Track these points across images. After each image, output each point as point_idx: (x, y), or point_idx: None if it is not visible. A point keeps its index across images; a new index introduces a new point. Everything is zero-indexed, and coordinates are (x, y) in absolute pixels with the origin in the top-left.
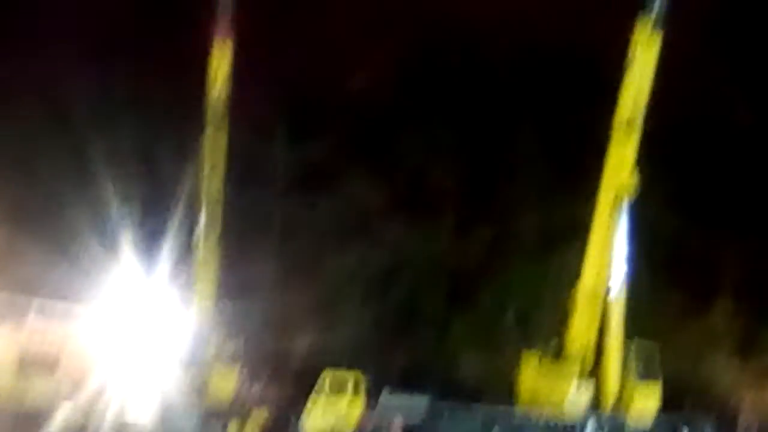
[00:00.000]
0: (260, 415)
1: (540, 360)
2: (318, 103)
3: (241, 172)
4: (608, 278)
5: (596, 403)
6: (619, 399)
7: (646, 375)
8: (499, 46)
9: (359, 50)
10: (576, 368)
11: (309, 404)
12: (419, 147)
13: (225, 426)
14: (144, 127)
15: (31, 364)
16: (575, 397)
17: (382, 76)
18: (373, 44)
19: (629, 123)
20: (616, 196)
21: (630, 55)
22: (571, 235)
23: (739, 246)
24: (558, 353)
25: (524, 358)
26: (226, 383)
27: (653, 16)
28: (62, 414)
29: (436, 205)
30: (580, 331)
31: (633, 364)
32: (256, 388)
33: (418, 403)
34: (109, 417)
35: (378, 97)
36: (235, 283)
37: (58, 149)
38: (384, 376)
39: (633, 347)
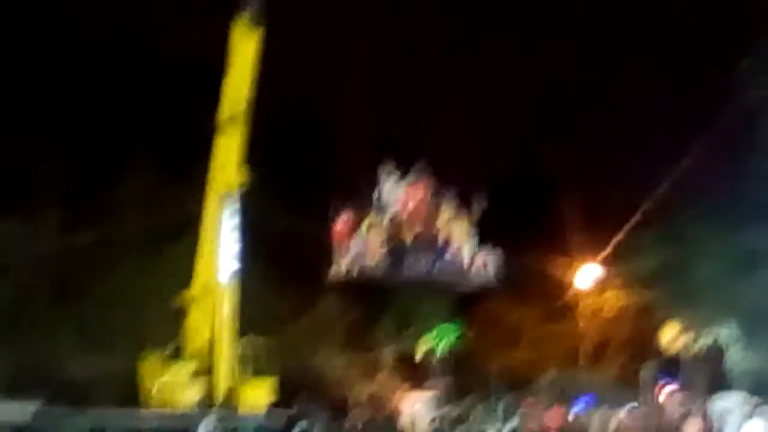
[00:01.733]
0: None
1: (158, 360)
2: None
3: None
4: (219, 275)
5: (211, 401)
6: (232, 396)
7: (258, 371)
8: (102, 45)
9: None
10: (192, 366)
11: None
12: (21, 146)
13: None
14: None
15: None
16: (190, 395)
17: None
18: None
19: (232, 119)
20: (225, 193)
21: (230, 52)
22: (181, 233)
23: None
24: (176, 353)
25: (144, 360)
26: None
27: (250, 12)
28: None
29: (39, 207)
30: (195, 330)
31: (245, 361)
32: None
33: (27, 409)
34: None
35: None
36: None
37: None
38: None
39: (244, 344)
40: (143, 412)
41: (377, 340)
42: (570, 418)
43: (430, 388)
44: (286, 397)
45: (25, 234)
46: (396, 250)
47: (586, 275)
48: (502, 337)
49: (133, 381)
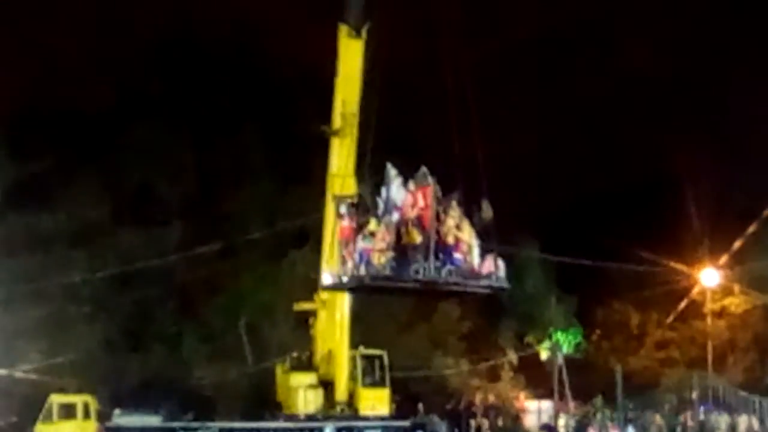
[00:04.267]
0: None
1: (283, 367)
2: (39, 113)
3: None
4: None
5: (332, 408)
6: (352, 403)
7: (374, 381)
8: (220, 57)
9: (78, 61)
10: (315, 373)
11: (37, 429)
12: (145, 158)
13: None
14: None
15: None
16: (312, 401)
17: (104, 84)
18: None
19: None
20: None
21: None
22: (303, 239)
23: None
24: (300, 360)
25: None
26: None
27: (353, 18)
28: None
29: (162, 218)
30: (318, 337)
31: (364, 369)
32: None
33: (152, 422)
34: None
35: (100, 108)
36: None
37: None
38: (115, 396)
39: (364, 352)
40: (268, 418)
41: (499, 345)
42: (697, 419)
43: (553, 392)
44: (405, 404)
45: (149, 245)
46: (403, 251)
47: (711, 277)
48: (625, 340)
49: (257, 388)
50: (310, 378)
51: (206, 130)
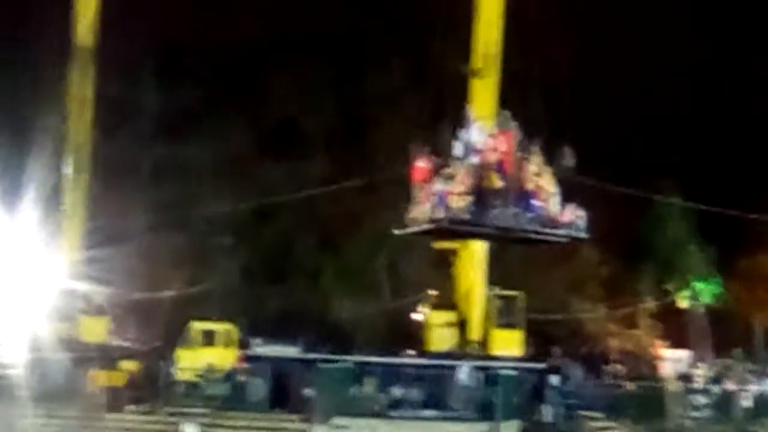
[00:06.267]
0: (130, 365)
1: (426, 306)
2: (188, 47)
3: (109, 116)
4: None
5: (465, 347)
6: (485, 344)
7: (507, 323)
8: None
9: None
10: (452, 312)
11: (178, 354)
12: (290, 90)
13: (92, 376)
14: (5, 69)
15: None
16: (447, 340)
17: (252, 20)
18: None
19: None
20: None
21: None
22: None
23: None
24: (438, 299)
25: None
26: (94, 334)
27: None
28: None
29: (306, 152)
30: (456, 277)
31: (499, 311)
32: (124, 338)
33: (290, 352)
34: None
35: (248, 41)
36: (102, 232)
37: None
38: (254, 326)
39: (499, 294)
40: (404, 354)
41: (637, 292)
42: None
43: (690, 342)
44: (541, 347)
45: (292, 178)
46: (482, 196)
47: None
48: (766, 292)
49: (395, 324)
50: (448, 316)
51: (351, 66)
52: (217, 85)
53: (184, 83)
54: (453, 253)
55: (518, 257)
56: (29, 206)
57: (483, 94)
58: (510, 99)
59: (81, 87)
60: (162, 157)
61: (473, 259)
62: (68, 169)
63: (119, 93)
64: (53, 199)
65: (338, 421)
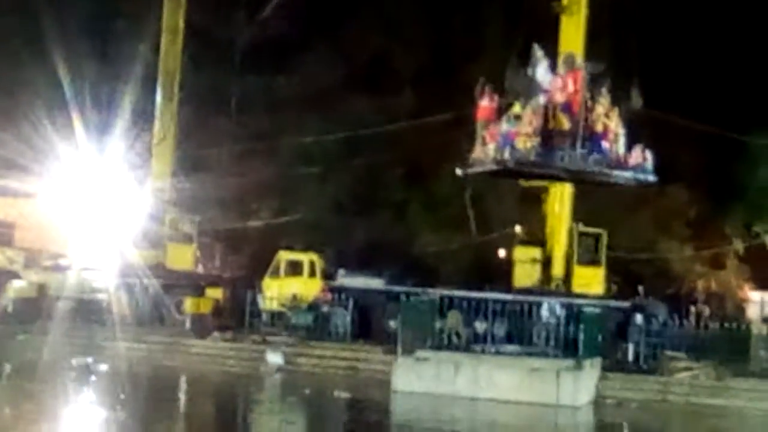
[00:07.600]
0: (215, 293)
1: (515, 242)
2: None
3: (198, 47)
4: None
5: (548, 284)
6: (568, 281)
7: (590, 260)
8: None
9: None
10: (537, 249)
11: (264, 284)
12: (379, 25)
13: (180, 303)
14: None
15: None
16: (531, 276)
17: None
18: None
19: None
20: None
21: None
22: None
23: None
24: (531, 237)
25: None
26: (181, 261)
27: None
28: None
29: (395, 86)
30: (544, 214)
31: (577, 249)
32: (212, 266)
33: (375, 284)
34: (67, 290)
35: None
36: (191, 160)
37: (9, 28)
38: (339, 256)
39: (579, 232)
40: (487, 289)
41: (725, 233)
42: None
43: None
44: (626, 286)
45: (380, 112)
46: (549, 136)
47: None
48: None
49: (480, 259)
50: (534, 252)
51: (442, 1)
52: (308, 18)
53: (274, 15)
54: (542, 190)
55: (605, 196)
56: (120, 133)
57: (571, 31)
58: (599, 36)
59: (172, 16)
60: (251, 88)
61: (561, 196)
62: (158, 97)
63: (210, 24)
64: (144, 127)
65: (421, 353)
